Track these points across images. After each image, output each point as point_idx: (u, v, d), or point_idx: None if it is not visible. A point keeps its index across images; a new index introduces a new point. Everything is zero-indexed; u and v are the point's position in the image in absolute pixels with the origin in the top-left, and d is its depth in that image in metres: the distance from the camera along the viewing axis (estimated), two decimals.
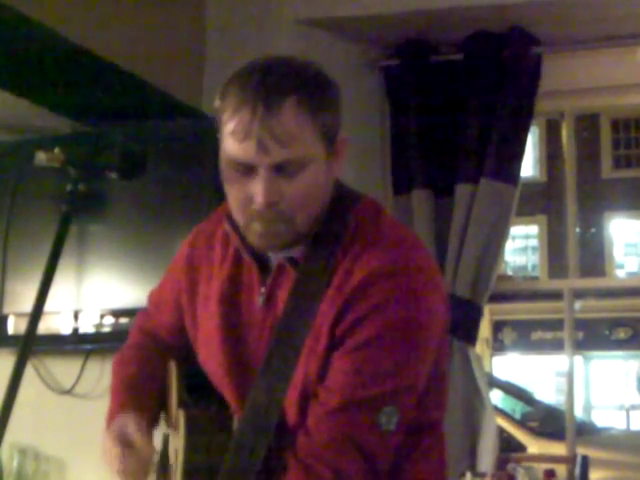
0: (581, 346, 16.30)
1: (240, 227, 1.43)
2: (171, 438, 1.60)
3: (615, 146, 18.97)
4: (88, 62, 2.42)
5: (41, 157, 1.62)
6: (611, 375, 18.48)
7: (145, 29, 2.68)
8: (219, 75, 2.92)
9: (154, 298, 1.75)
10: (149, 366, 1.67)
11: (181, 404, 1.55)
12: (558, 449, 6.16)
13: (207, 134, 2.63)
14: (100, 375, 2.89)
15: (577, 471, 2.73)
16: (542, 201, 18.22)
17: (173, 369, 1.63)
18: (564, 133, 3.26)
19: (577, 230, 3.38)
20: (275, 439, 1.37)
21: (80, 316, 2.75)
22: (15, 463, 2.83)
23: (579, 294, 11.97)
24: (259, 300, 1.47)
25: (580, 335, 16.10)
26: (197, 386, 1.58)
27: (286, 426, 1.41)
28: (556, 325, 15.16)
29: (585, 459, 2.76)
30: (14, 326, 2.75)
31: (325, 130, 1.38)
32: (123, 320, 2.69)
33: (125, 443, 1.50)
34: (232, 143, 1.35)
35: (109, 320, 2.71)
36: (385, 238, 1.43)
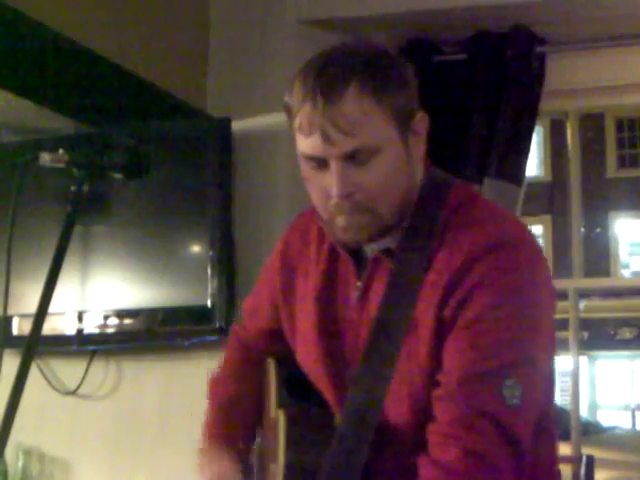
0: (586, 346, 16.28)
1: (327, 223, 1.40)
2: (269, 438, 1.58)
3: (620, 145, 18.96)
4: (92, 63, 2.43)
5: (45, 158, 1.61)
6: (616, 375, 18.45)
7: (149, 30, 2.68)
8: (222, 75, 2.95)
9: (248, 306, 1.73)
10: (246, 383, 1.67)
11: (281, 404, 1.54)
12: (563, 449, 6.14)
13: (211, 134, 2.65)
14: (105, 376, 2.89)
15: (582, 471, 2.71)
16: (546, 201, 18.20)
17: (272, 369, 1.61)
18: (568, 133, 3.24)
19: (582, 230, 3.37)
20: (378, 438, 1.33)
21: (84, 317, 2.74)
22: (20, 464, 2.83)
23: (584, 294, 11.93)
24: (355, 295, 1.44)
25: (585, 335, 16.09)
26: (296, 386, 1.56)
27: (392, 423, 1.37)
28: (561, 325, 15.02)
29: (590, 459, 2.74)
30: (19, 327, 2.75)
31: (396, 111, 1.34)
32: (127, 321, 2.69)
33: None
34: (300, 138, 1.34)
35: (113, 321, 2.71)
36: (484, 217, 1.39)
